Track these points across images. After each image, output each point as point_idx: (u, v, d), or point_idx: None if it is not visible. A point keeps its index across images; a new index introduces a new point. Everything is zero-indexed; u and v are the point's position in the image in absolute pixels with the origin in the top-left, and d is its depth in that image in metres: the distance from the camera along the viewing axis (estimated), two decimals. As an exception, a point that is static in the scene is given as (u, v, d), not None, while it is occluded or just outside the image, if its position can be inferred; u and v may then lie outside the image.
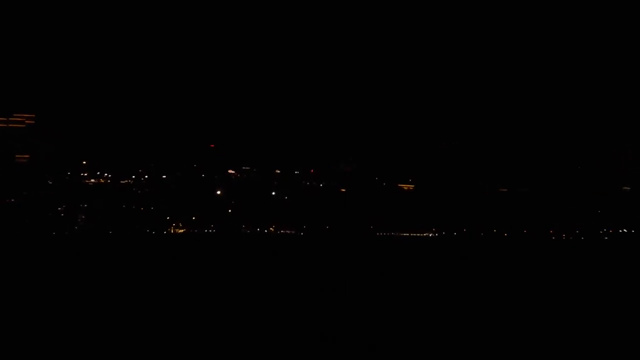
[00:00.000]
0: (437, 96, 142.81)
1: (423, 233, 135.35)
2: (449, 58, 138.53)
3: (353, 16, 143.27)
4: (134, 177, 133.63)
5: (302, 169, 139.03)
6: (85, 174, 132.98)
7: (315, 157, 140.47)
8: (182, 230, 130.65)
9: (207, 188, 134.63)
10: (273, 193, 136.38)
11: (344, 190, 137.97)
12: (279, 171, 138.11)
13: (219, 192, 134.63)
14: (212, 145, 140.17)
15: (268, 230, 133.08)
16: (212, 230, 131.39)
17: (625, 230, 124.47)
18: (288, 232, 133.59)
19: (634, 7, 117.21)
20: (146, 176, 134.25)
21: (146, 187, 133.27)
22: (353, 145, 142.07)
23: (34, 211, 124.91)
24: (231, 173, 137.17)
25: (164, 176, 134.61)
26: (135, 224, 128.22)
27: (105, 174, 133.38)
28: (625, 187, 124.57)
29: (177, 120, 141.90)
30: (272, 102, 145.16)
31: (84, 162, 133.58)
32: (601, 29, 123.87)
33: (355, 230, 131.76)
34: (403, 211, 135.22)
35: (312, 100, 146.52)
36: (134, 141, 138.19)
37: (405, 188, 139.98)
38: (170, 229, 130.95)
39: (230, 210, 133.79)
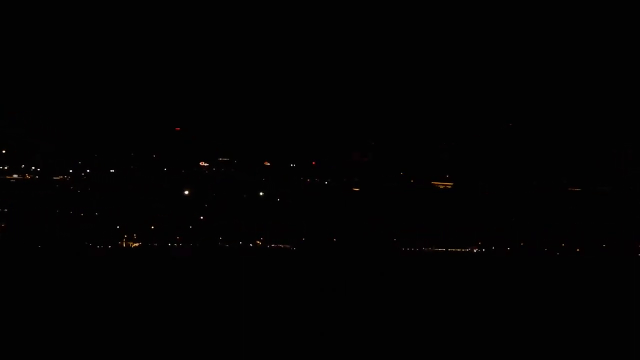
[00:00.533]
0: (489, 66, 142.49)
1: (465, 248, 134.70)
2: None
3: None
4: (71, 171, 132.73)
5: (300, 160, 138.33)
6: (5, 168, 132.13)
7: (319, 144, 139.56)
8: (136, 244, 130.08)
9: (171, 186, 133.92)
10: (261, 193, 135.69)
11: (357, 189, 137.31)
12: (268, 163, 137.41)
13: (187, 192, 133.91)
14: (178, 129, 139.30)
15: (254, 244, 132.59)
16: (178, 244, 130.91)
17: None
18: (281, 246, 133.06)
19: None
20: (88, 170, 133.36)
21: (88, 185, 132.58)
22: (370, 128, 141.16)
23: None
24: (204, 166, 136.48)
25: (112, 170, 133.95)
26: (74, 234, 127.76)
27: (33, 168, 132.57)
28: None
29: (131, 95, 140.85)
30: (260, 69, 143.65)
31: (3, 151, 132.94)
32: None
33: (373, 244, 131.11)
34: (438, 218, 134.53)
35: (314, 68, 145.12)
36: (71, 123, 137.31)
37: (441, 187, 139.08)
38: (122, 242, 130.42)
39: (202, 217, 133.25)
